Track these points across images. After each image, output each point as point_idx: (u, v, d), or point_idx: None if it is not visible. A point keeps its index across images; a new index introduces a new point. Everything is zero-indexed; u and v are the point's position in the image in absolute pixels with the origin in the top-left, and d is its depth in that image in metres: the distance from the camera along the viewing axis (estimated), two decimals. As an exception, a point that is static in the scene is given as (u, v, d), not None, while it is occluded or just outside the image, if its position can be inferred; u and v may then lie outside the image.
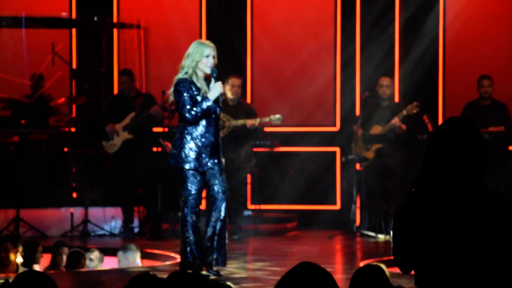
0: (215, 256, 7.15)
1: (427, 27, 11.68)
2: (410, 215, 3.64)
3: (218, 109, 7.15)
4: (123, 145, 10.81)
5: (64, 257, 8.62)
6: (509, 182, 10.27)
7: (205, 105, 7.01)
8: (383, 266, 4.19)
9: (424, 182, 3.65)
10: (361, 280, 3.94)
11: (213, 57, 7.05)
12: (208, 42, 7.15)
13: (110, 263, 9.01)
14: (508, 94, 11.13)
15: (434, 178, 3.62)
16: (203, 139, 7.11)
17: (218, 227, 7.13)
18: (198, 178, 7.12)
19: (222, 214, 7.14)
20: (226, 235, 7.28)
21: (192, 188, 7.10)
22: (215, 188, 7.15)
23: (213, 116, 7.14)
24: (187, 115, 7.03)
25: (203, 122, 7.11)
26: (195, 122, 7.08)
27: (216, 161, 7.15)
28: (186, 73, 7.05)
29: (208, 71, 7.06)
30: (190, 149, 7.09)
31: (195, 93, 7.03)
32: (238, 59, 11.85)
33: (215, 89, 7.05)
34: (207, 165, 7.11)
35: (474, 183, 3.60)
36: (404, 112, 10.45)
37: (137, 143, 10.74)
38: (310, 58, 11.94)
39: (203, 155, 7.09)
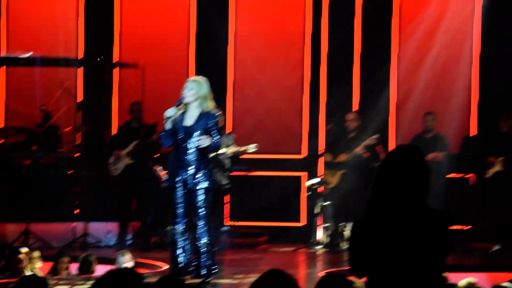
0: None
1: (383, 77, 12.07)
2: (364, 229, 3.78)
3: (181, 132, 7.26)
4: (125, 168, 11.26)
5: (64, 265, 8.62)
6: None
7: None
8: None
9: (376, 201, 3.77)
10: (325, 286, 3.89)
11: (189, 90, 7.31)
12: (189, 78, 7.55)
13: (104, 270, 8.97)
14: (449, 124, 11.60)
15: (384, 197, 3.73)
16: (174, 159, 7.38)
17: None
18: (177, 192, 7.34)
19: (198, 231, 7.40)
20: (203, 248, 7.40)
21: (174, 201, 7.39)
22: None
23: (179, 139, 7.30)
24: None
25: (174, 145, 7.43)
26: (169, 145, 7.47)
27: (186, 178, 7.26)
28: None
29: None
30: (169, 167, 7.46)
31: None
32: (222, 96, 11.95)
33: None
34: (178, 182, 7.31)
35: (419, 202, 3.68)
36: (365, 142, 11.02)
37: (137, 168, 11.15)
38: (282, 96, 12.22)
39: (174, 173, 7.36)
